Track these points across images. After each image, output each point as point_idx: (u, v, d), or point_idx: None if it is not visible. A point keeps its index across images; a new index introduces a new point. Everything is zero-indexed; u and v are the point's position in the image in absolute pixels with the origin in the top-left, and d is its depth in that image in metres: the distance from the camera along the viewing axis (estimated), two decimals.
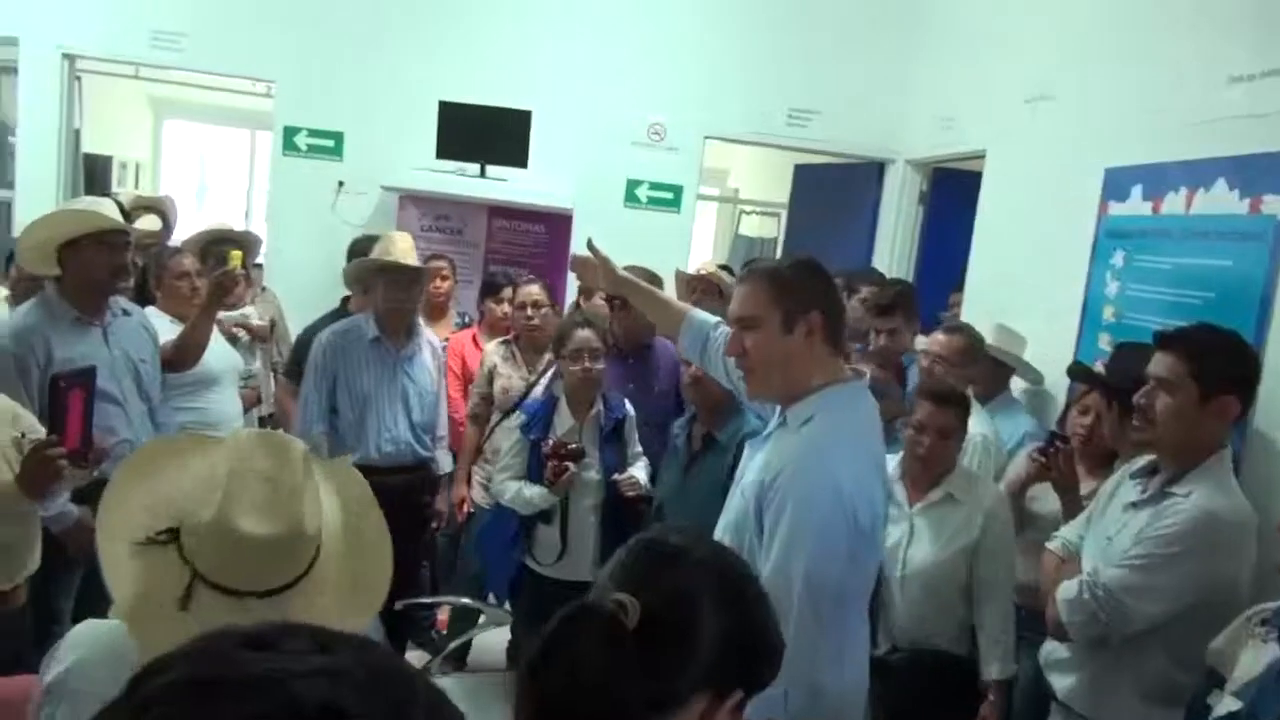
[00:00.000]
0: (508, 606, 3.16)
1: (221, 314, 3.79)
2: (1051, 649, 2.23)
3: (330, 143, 5.06)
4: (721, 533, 1.94)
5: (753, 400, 2.07)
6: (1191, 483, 2.00)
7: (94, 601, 3.08)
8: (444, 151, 4.79)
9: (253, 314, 4.16)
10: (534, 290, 3.62)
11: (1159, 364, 2.06)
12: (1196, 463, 2.02)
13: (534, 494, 3.01)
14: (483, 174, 4.85)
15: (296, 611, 1.19)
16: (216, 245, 4.04)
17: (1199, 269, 2.91)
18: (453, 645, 3.18)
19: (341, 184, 5.05)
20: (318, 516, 1.23)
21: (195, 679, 0.50)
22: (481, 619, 3.03)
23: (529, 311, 3.59)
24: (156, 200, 4.83)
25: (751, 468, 1.92)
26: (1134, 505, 2.10)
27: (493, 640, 3.73)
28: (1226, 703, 1.73)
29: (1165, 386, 2.02)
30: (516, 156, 4.82)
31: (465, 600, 3.14)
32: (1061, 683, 2.17)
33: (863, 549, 1.79)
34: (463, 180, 4.83)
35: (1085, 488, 2.70)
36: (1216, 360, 2.03)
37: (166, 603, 1.15)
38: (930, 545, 2.54)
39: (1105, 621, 2.00)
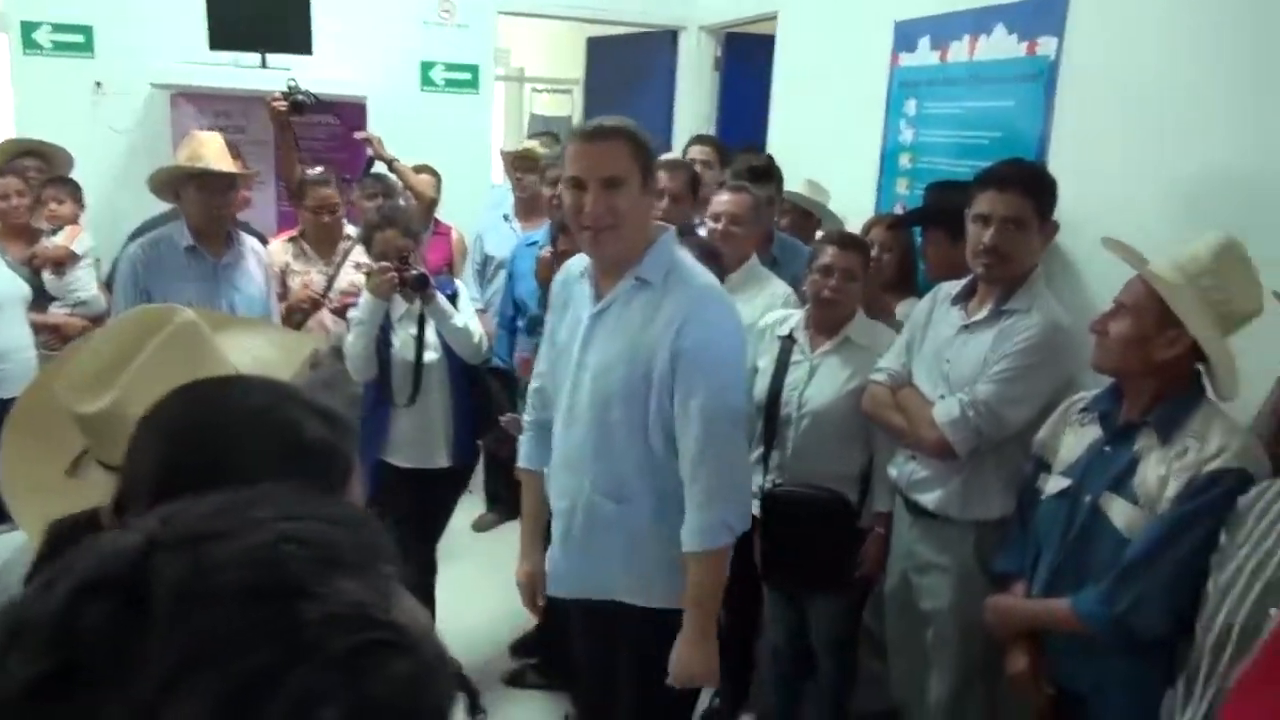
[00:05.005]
0: None
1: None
2: (910, 470, 2.39)
3: (79, 38, 4.51)
4: (606, 406, 1.92)
5: (602, 259, 1.95)
6: (1024, 300, 2.23)
7: None
8: (217, 42, 4.39)
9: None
10: (327, 191, 3.58)
11: (1000, 203, 2.21)
12: (1021, 282, 2.25)
13: (357, 311, 2.95)
14: (264, 64, 4.49)
15: None
16: (19, 159, 3.81)
17: (984, 111, 3.17)
18: None
19: (99, 84, 4.54)
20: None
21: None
22: None
23: (325, 217, 3.55)
24: None
25: (620, 332, 1.90)
26: (966, 329, 2.30)
27: None
28: (1055, 482, 2.00)
29: (1015, 224, 2.20)
30: (299, 43, 4.48)
31: None
32: (929, 496, 2.34)
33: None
34: (242, 72, 4.46)
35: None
36: (1047, 193, 2.27)
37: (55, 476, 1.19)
38: (826, 386, 2.58)
39: (986, 433, 2.20)
